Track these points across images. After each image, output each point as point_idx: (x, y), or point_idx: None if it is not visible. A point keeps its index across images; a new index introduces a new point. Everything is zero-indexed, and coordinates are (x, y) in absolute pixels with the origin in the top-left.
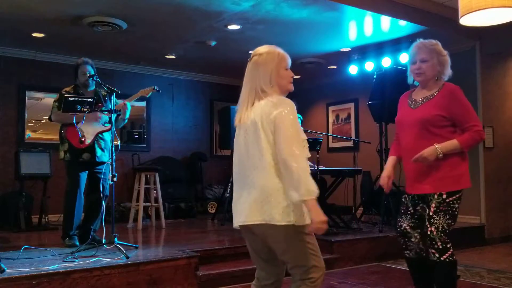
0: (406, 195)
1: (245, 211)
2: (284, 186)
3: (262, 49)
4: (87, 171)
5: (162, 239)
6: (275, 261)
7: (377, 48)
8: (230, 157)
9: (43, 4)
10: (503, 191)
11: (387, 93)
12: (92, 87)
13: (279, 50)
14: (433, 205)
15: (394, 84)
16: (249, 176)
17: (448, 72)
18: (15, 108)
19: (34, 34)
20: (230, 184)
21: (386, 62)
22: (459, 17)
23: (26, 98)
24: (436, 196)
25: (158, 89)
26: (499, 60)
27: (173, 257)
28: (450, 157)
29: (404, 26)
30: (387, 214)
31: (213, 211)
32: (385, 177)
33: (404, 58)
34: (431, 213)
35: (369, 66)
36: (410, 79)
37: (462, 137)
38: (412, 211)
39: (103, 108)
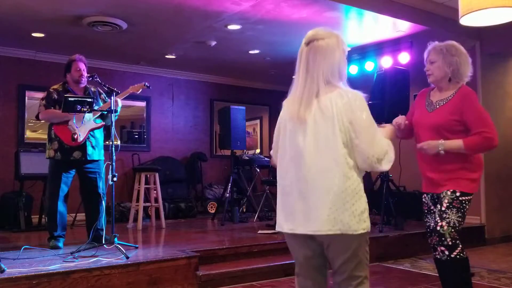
0: (425, 194)
1: (312, 219)
2: (359, 188)
3: (322, 32)
4: (73, 172)
5: (162, 239)
6: (324, 269)
7: (377, 48)
8: (230, 157)
9: (43, 4)
10: (503, 191)
11: (387, 93)
12: (83, 84)
13: (337, 33)
14: (446, 200)
15: (394, 84)
16: (314, 179)
17: (466, 72)
18: (15, 108)
19: (34, 34)
20: (230, 184)
21: (386, 62)
22: (460, 17)
23: (26, 98)
24: (449, 193)
25: (148, 85)
26: (499, 60)
27: (173, 257)
28: (469, 162)
29: (404, 26)
30: (387, 214)
31: (213, 211)
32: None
33: (404, 58)
34: (443, 208)
35: (369, 66)
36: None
37: (468, 138)
38: (434, 209)
39: (95, 107)
